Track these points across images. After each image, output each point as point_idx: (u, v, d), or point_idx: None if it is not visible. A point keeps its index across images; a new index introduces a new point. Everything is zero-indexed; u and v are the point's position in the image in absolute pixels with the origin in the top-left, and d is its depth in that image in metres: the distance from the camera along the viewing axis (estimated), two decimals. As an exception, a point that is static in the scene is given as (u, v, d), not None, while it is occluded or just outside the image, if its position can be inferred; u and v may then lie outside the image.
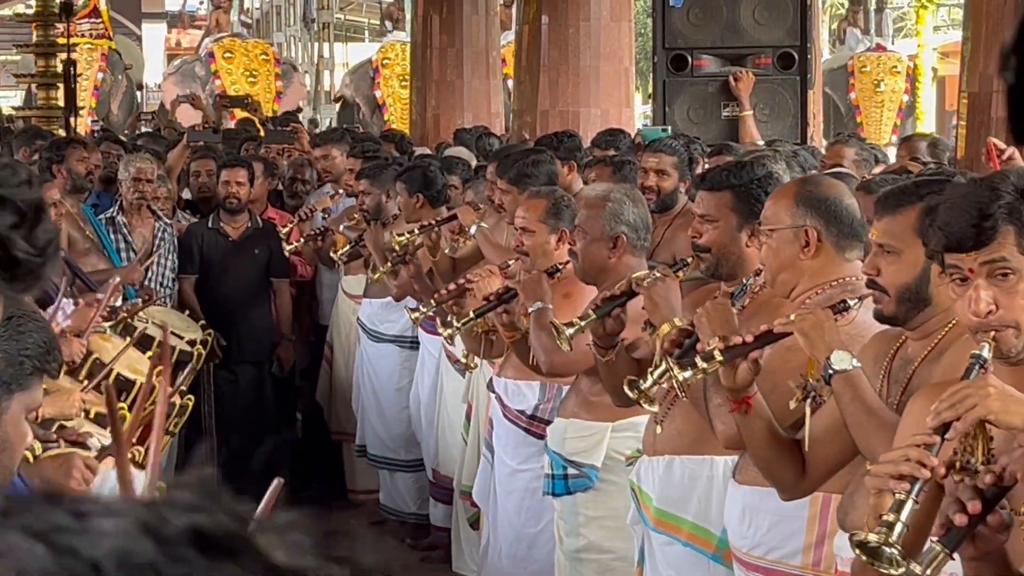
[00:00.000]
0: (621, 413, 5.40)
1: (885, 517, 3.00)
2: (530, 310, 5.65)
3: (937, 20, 28.58)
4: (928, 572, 2.83)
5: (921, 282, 3.74)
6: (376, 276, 8.10)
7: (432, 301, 6.48)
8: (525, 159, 7.43)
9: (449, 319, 6.03)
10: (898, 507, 3.00)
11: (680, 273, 4.97)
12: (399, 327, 8.89)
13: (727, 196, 4.89)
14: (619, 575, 5.64)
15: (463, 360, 6.55)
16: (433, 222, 7.77)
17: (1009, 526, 2.81)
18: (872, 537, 2.98)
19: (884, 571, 2.97)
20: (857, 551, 3.02)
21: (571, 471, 5.76)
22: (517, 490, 6.38)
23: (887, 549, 2.95)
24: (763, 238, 4.42)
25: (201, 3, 26.33)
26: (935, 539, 2.83)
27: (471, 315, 5.85)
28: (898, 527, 2.96)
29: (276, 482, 3.66)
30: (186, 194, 10.82)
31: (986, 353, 3.23)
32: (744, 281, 4.81)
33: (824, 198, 4.38)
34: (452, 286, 6.35)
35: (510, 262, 6.52)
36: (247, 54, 24.68)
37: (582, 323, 4.97)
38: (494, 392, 6.65)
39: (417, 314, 6.73)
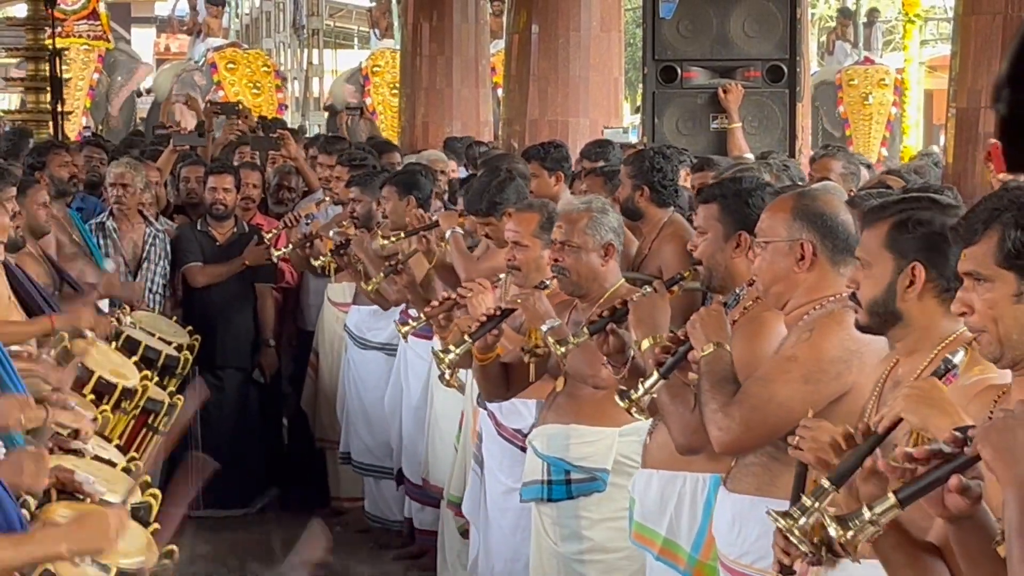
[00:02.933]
0: (627, 418, 5.37)
1: (804, 500, 3.19)
2: (544, 330, 5.47)
3: (925, 34, 28.63)
4: (876, 518, 2.92)
5: (888, 296, 3.77)
6: (370, 287, 8.04)
7: (422, 315, 6.38)
8: (488, 186, 7.28)
9: (447, 349, 5.73)
10: (819, 494, 3.17)
11: (675, 288, 4.99)
12: (386, 335, 8.88)
13: (714, 208, 4.97)
14: (624, 573, 5.62)
15: (447, 376, 6.35)
16: (416, 227, 7.71)
17: (978, 496, 2.87)
18: (782, 522, 3.20)
19: (795, 542, 3.21)
20: (772, 517, 3.24)
21: (575, 475, 5.72)
22: (513, 509, 6.26)
23: (796, 532, 3.16)
24: (758, 249, 4.46)
25: (194, 9, 26.23)
26: (893, 491, 2.91)
27: (467, 339, 5.64)
28: (811, 514, 3.15)
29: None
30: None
31: (956, 359, 3.38)
32: (736, 291, 4.83)
33: (821, 212, 4.41)
34: (443, 297, 6.23)
35: (500, 276, 6.41)
36: (249, 65, 24.72)
37: (575, 341, 4.97)
38: (485, 408, 6.58)
39: (407, 328, 6.58)
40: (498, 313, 5.64)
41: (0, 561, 3.51)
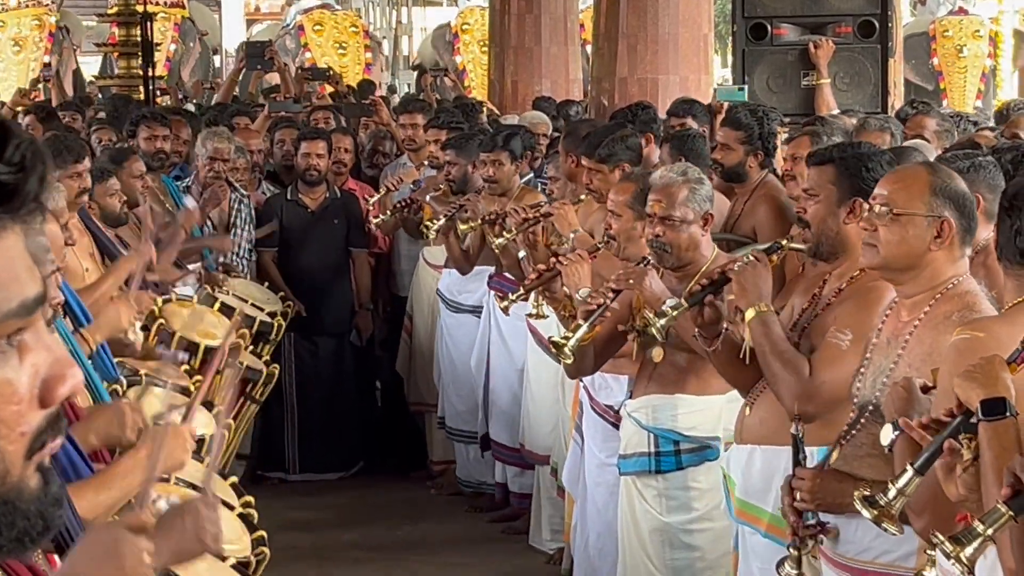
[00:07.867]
0: (730, 385, 5.30)
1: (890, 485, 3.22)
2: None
3: (1020, -18, 28.16)
4: (990, 532, 2.83)
5: None
6: (497, 244, 7.54)
7: (521, 287, 6.24)
8: (612, 135, 7.23)
9: (563, 338, 5.48)
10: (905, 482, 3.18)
11: (774, 256, 4.90)
12: (477, 297, 8.87)
13: (830, 170, 4.84)
14: (732, 541, 5.57)
15: (568, 351, 5.54)
16: (527, 218, 7.47)
17: None
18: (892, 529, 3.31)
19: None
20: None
21: (685, 445, 5.69)
22: (605, 483, 6.23)
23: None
24: (885, 220, 4.22)
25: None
26: (1002, 501, 2.83)
27: (584, 326, 5.39)
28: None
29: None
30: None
31: None
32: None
33: (961, 192, 4.23)
34: (542, 269, 6.06)
35: (599, 245, 6.28)
36: (337, 26, 24.74)
37: (674, 313, 4.88)
38: (582, 381, 6.54)
39: (506, 303, 6.40)
40: (610, 295, 5.44)
41: (90, 510, 3.56)
